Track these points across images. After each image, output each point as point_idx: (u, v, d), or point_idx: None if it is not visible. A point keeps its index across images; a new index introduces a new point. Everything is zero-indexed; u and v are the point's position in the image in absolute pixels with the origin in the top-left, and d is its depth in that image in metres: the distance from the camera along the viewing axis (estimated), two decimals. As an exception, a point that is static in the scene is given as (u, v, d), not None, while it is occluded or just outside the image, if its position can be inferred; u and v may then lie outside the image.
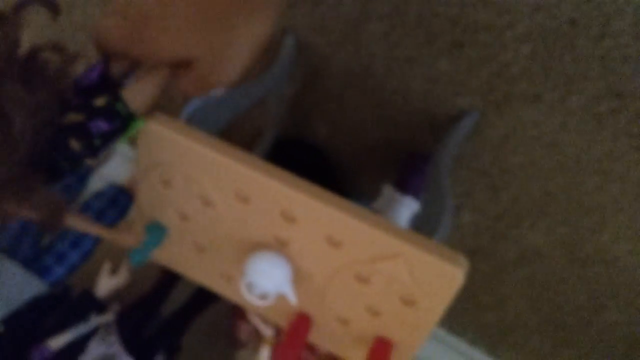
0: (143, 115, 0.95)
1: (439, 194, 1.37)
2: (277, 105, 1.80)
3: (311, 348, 1.38)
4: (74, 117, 0.85)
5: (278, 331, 1.35)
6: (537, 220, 1.69)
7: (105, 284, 1.42)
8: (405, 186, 1.49)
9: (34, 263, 1.07)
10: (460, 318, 2.04)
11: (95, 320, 1.43)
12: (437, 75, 1.55)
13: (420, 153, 1.67)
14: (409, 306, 1.02)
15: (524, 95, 1.48)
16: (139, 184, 1.15)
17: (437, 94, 1.58)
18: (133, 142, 1.08)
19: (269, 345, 1.35)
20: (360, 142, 1.80)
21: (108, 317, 1.48)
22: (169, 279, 1.93)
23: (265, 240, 1.08)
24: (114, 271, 1.43)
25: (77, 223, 1.04)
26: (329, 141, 1.84)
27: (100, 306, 1.45)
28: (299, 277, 1.08)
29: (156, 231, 1.16)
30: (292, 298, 1.08)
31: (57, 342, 1.35)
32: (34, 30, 0.81)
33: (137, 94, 0.92)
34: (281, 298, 1.09)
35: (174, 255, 1.23)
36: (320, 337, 1.18)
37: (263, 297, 1.07)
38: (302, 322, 1.14)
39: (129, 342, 1.52)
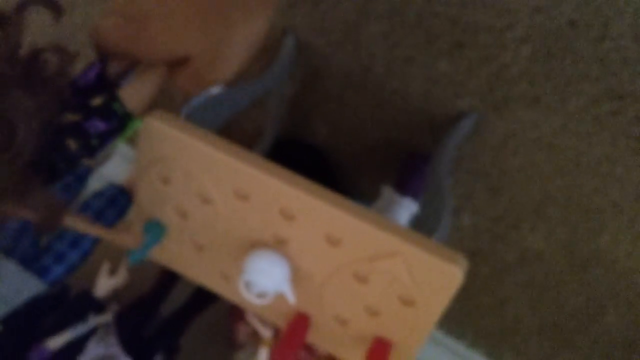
0: (140, 115, 0.96)
1: (438, 195, 1.37)
2: (277, 105, 1.80)
3: (309, 348, 1.38)
4: (71, 117, 0.85)
5: (276, 332, 1.35)
6: (537, 222, 1.69)
7: (104, 284, 1.42)
8: (404, 187, 1.49)
9: (32, 263, 1.06)
10: (459, 320, 2.03)
11: (94, 320, 1.43)
12: (437, 75, 1.55)
13: (420, 153, 1.67)
14: (408, 306, 1.02)
15: (524, 96, 1.48)
16: (138, 181, 1.15)
17: (436, 95, 1.58)
18: (132, 142, 1.08)
19: (267, 347, 1.35)
20: (360, 142, 1.79)
21: (107, 317, 1.48)
22: (168, 279, 1.93)
23: (264, 238, 1.08)
24: (112, 271, 1.43)
25: (76, 223, 1.04)
26: (329, 141, 1.84)
27: (99, 306, 1.45)
28: (297, 276, 1.08)
29: (155, 229, 1.16)
30: (291, 297, 1.08)
31: (56, 342, 1.35)
32: (34, 31, 0.80)
33: (134, 93, 0.92)
34: (280, 297, 1.09)
35: (172, 254, 1.23)
36: (318, 337, 1.18)
37: (261, 295, 1.07)
38: (300, 321, 1.13)
39: (128, 342, 1.51)
